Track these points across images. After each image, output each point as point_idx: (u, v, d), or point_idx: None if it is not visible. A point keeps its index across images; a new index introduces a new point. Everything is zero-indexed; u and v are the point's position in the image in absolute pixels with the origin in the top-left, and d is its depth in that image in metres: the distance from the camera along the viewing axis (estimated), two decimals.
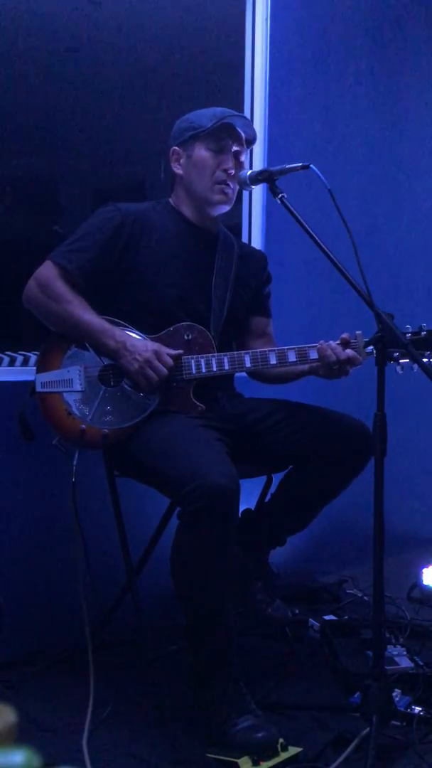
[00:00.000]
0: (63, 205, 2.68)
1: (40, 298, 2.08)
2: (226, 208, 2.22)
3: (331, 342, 2.07)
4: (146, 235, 2.16)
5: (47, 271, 2.08)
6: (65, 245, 2.12)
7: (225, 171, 2.15)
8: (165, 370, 2.00)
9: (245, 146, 2.22)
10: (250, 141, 2.24)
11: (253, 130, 2.25)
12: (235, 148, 2.17)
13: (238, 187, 2.20)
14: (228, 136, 2.17)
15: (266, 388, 2.38)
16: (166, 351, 2.04)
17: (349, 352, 2.04)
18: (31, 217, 2.59)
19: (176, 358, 2.05)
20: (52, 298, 2.06)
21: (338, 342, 2.07)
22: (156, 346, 2.04)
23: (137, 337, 2.08)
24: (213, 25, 2.94)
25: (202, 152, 2.17)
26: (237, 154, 2.18)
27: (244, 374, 2.36)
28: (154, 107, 2.77)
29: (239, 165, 2.18)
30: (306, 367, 2.16)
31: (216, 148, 2.16)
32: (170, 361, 2.03)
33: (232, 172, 2.15)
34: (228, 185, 2.16)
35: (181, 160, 2.21)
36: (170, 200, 2.29)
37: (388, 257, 3.57)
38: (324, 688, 2.21)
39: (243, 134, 2.19)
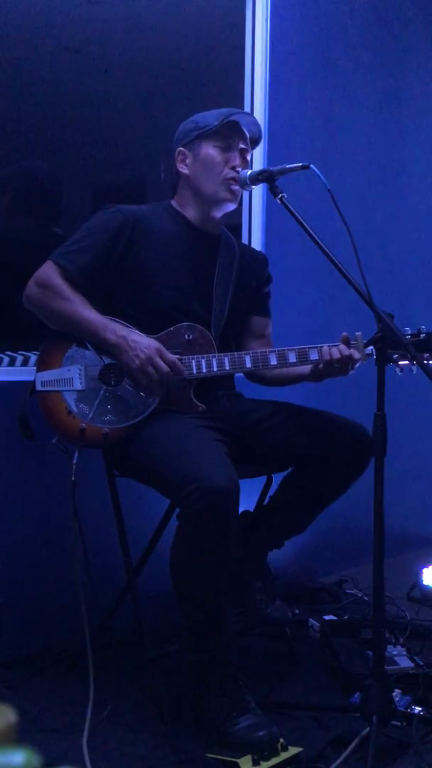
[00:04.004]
0: (63, 207, 2.68)
1: (40, 297, 2.08)
2: (232, 207, 2.23)
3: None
4: (146, 236, 2.16)
5: (47, 270, 2.08)
6: (65, 246, 2.12)
7: (233, 168, 2.16)
8: (166, 368, 2.00)
9: (250, 146, 2.23)
10: (255, 141, 2.26)
11: (259, 128, 2.27)
12: (241, 146, 2.19)
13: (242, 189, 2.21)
14: (235, 134, 2.18)
15: (267, 388, 2.38)
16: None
17: (352, 350, 2.06)
18: (31, 218, 2.59)
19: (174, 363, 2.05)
20: (51, 296, 2.06)
21: (339, 342, 2.09)
22: (158, 344, 2.04)
23: (139, 333, 2.08)
24: (213, 25, 2.94)
25: (209, 150, 2.17)
26: (243, 152, 2.19)
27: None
28: (154, 107, 2.77)
29: (245, 163, 2.19)
30: (307, 370, 2.16)
31: (223, 145, 2.17)
32: (172, 359, 2.02)
33: (240, 169, 2.16)
34: (236, 182, 2.17)
35: (188, 161, 2.21)
36: (172, 202, 2.29)
37: (388, 257, 3.57)
38: (324, 688, 2.21)
39: (248, 133, 2.21)
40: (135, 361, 1.99)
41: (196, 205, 2.24)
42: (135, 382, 2.03)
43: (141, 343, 2.01)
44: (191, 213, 2.25)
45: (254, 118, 2.30)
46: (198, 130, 2.19)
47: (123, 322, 2.09)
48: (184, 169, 2.22)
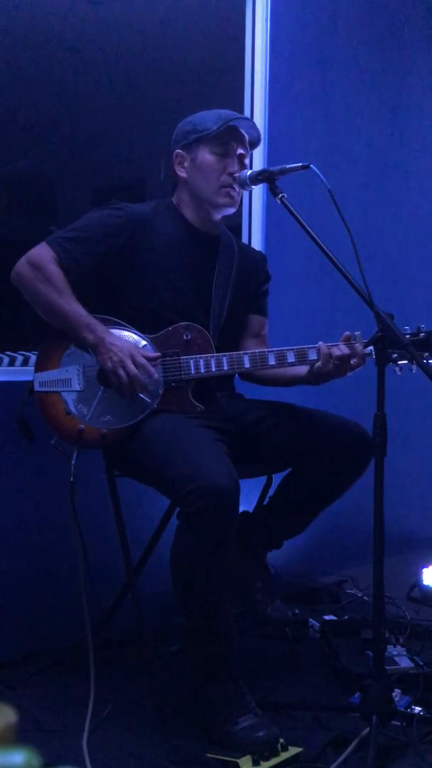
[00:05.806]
0: (60, 205, 2.68)
1: (30, 276, 2.04)
2: (231, 211, 2.22)
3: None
4: (147, 237, 2.15)
5: (42, 252, 2.05)
6: (64, 231, 2.10)
7: (230, 174, 2.15)
8: (135, 371, 1.99)
9: (249, 149, 2.22)
10: (254, 143, 2.25)
11: (258, 132, 2.25)
12: (239, 151, 2.18)
13: (242, 191, 2.20)
14: (233, 139, 2.17)
15: (266, 388, 2.38)
16: (142, 353, 2.02)
17: (351, 348, 2.05)
18: (28, 217, 2.59)
19: (153, 360, 2.04)
20: (41, 279, 2.03)
21: (341, 341, 2.08)
22: (132, 347, 2.02)
23: (126, 335, 2.07)
24: (213, 25, 2.94)
25: (207, 156, 2.16)
26: (241, 157, 2.18)
27: None
28: (154, 107, 2.77)
29: (243, 168, 2.18)
30: (303, 372, 2.15)
31: (221, 151, 2.16)
32: (143, 362, 2.01)
33: (238, 175, 2.15)
34: (234, 188, 2.16)
35: (185, 164, 2.20)
36: (173, 200, 2.28)
37: (388, 257, 3.57)
38: (324, 688, 2.21)
39: (247, 136, 2.20)
40: (107, 363, 1.99)
41: (195, 207, 2.23)
42: (109, 383, 2.03)
43: (116, 345, 2.00)
44: (190, 214, 2.24)
45: (253, 122, 2.27)
46: (196, 133, 2.17)
47: (122, 322, 2.09)
48: (182, 173, 2.21)
